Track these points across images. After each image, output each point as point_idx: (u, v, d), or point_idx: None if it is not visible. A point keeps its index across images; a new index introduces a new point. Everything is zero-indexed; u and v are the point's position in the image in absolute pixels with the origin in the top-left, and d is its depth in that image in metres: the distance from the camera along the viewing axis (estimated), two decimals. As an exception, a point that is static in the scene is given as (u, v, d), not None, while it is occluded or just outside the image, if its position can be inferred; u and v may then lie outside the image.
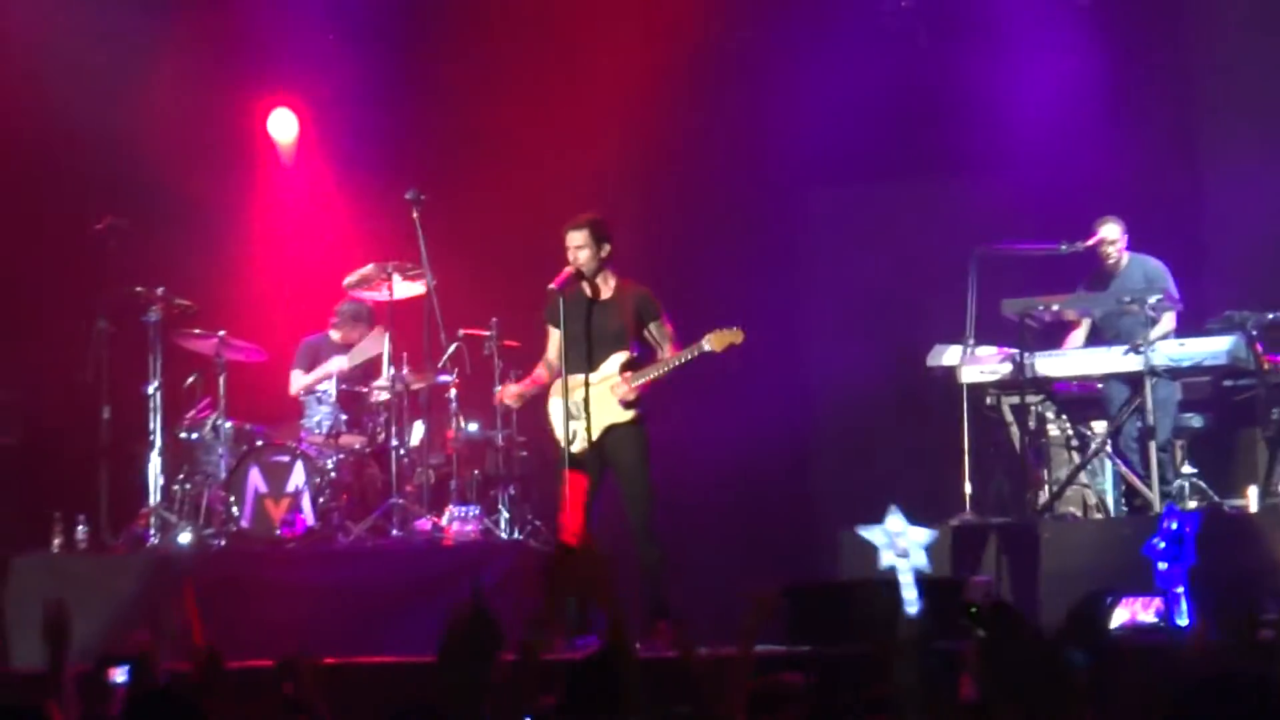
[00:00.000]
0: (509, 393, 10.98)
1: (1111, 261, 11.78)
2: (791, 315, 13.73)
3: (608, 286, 10.34)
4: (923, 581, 7.60)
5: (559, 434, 10.47)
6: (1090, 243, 11.64)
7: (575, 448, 10.27)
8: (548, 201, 11.49)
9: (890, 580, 7.28)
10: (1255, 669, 4.57)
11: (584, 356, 10.27)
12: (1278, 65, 12.89)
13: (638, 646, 8.00)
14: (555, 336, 10.46)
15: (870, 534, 8.12)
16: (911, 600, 7.37)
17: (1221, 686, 4.16)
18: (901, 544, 7.98)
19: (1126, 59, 12.94)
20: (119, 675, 6.42)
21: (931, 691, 4.86)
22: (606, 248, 10.25)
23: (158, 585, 11.16)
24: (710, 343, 10.17)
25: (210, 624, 7.49)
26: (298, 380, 12.67)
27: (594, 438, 10.31)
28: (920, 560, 7.87)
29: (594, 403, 10.28)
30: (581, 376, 10.28)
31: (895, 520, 8.03)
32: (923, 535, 7.98)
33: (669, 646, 9.38)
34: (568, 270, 10.21)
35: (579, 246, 10.21)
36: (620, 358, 10.30)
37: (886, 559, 7.86)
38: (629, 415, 10.25)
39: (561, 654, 9.47)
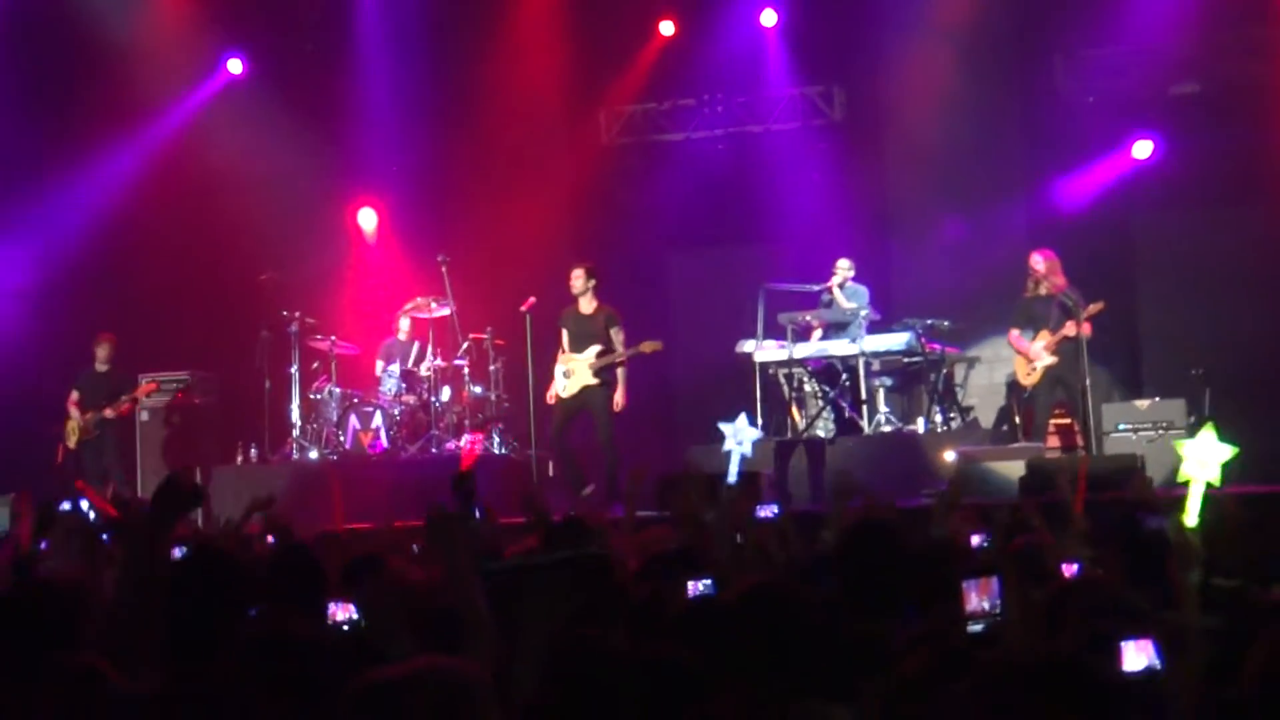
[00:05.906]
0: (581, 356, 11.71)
1: (846, 284, 13.28)
2: (667, 327, 14.38)
3: (591, 305, 12.09)
4: (742, 468, 8.32)
5: (558, 386, 12.04)
6: (827, 285, 13.26)
7: (566, 394, 11.94)
8: (518, 262, 13.42)
9: (708, 474, 7.20)
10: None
11: (578, 345, 11.93)
12: (943, 166, 14.67)
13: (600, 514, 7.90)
14: (566, 335, 12.09)
15: (725, 427, 8.67)
16: (732, 474, 7.98)
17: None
18: (740, 437, 8.47)
19: (855, 175, 14.71)
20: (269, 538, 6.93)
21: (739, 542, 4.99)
22: (594, 282, 12.03)
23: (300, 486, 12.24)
24: (644, 347, 11.93)
25: (329, 504, 8.60)
26: (380, 366, 14.00)
27: (578, 391, 11.99)
28: (748, 449, 8.51)
29: (579, 371, 11.96)
30: (576, 355, 11.96)
31: (742, 420, 8.72)
32: (754, 433, 8.81)
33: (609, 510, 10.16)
34: (575, 293, 12.01)
35: (578, 278, 11.99)
36: (596, 348, 12.01)
37: (728, 445, 8.41)
38: (597, 380, 12.02)
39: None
